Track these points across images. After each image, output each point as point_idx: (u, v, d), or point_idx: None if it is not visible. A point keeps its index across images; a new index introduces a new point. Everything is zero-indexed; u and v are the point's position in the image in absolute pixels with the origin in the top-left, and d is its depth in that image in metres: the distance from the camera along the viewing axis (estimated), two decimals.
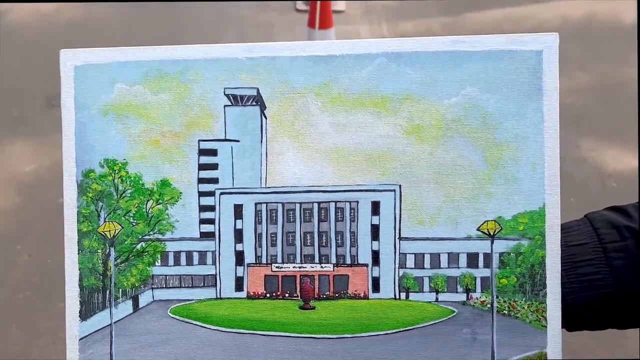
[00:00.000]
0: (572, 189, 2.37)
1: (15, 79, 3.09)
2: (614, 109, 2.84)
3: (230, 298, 0.60)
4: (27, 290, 2.05)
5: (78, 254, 0.60)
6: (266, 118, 0.60)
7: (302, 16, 3.68)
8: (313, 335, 0.58)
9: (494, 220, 0.58)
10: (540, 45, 0.57)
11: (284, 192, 0.59)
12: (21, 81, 3.07)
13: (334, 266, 0.60)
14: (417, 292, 0.59)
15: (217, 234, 0.60)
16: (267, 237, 0.60)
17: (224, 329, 0.59)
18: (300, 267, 0.60)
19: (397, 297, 0.58)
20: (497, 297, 0.58)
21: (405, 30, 3.63)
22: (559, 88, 0.58)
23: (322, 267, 0.60)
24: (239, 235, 0.60)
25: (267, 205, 0.60)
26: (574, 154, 2.58)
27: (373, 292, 0.59)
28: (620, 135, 2.65)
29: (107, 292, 0.60)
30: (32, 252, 2.17)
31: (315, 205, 0.60)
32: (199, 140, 0.60)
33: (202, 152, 0.60)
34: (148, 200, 0.60)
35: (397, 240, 0.58)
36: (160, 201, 0.60)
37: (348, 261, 0.59)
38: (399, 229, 0.58)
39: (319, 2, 2.98)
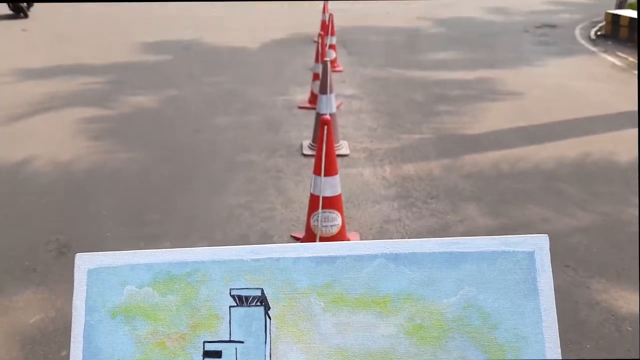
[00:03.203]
0: (587, 334, 2.30)
1: (30, 227, 3.17)
2: (619, 249, 2.85)
3: None
4: None
5: None
6: (270, 318, 0.61)
7: (309, 160, 3.85)
8: None
9: None
10: (531, 246, 0.60)
11: None
12: (36, 228, 3.15)
13: None
14: None
15: None
16: None
17: None
18: None
19: None
20: None
21: (408, 172, 3.77)
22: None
23: None
24: None
25: None
26: (586, 296, 2.53)
27: None
28: (630, 276, 2.63)
29: None
30: None
31: None
32: (204, 342, 0.61)
33: (207, 354, 0.61)
34: None
35: None
36: None
37: None
38: None
39: (324, 150, 3.13)
